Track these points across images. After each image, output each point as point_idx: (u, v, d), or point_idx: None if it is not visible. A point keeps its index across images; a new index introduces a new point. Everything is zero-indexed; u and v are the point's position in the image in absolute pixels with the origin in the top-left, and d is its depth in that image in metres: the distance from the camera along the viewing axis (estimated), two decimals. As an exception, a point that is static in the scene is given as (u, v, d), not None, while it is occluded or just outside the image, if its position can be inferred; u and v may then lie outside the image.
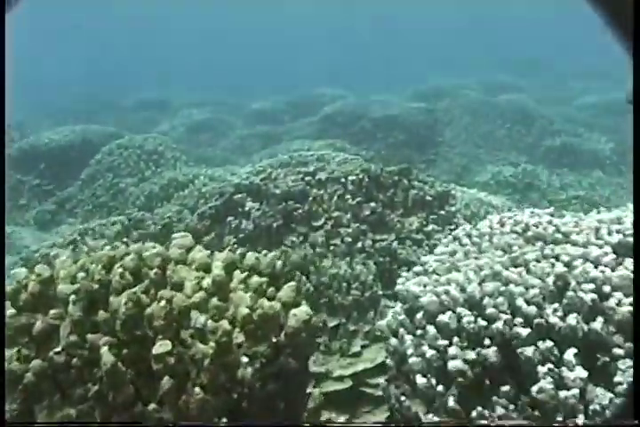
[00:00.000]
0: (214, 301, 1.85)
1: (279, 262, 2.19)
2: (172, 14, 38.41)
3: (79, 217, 7.06)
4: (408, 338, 2.14)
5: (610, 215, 2.37)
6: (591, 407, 1.65)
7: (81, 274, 1.91)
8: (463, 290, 2.06)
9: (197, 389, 1.68)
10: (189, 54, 33.03)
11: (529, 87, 14.22)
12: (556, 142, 9.78)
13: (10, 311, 1.86)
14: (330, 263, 3.31)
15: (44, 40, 33.19)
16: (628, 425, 1.62)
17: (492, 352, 1.85)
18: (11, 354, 1.79)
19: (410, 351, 2.09)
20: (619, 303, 1.84)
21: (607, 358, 1.75)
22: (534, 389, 1.70)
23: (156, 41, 37.04)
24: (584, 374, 1.68)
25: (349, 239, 3.54)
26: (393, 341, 2.27)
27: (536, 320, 1.84)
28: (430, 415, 1.97)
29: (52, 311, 1.85)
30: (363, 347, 3.02)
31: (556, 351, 1.77)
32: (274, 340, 1.86)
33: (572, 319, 1.81)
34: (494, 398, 1.80)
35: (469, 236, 2.50)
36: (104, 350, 1.66)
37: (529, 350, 1.78)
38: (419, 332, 2.10)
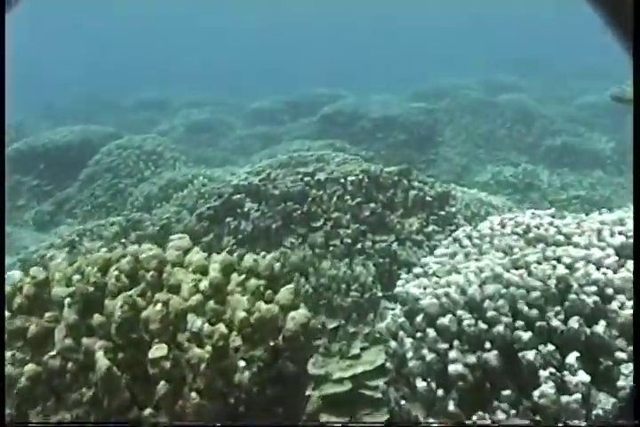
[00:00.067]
0: (211, 304, 1.83)
1: (277, 264, 2.16)
2: (172, 14, 38.37)
3: (78, 218, 7.03)
4: (408, 341, 2.11)
5: (612, 216, 2.34)
6: (594, 412, 1.62)
7: (76, 277, 1.89)
8: (464, 292, 2.03)
9: (194, 393, 1.66)
10: (189, 54, 32.98)
11: (529, 87, 14.17)
12: (556, 142, 9.75)
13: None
14: (329, 264, 3.29)
15: (44, 40, 33.15)
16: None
17: (492, 356, 1.82)
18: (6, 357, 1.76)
19: (409, 355, 2.06)
20: (621, 306, 1.81)
21: (610, 362, 1.72)
22: (536, 393, 1.67)
23: (156, 41, 37.00)
24: (586, 378, 1.65)
25: (349, 240, 3.51)
26: (392, 343, 2.24)
27: (537, 323, 1.81)
28: (430, 419, 1.94)
29: (47, 314, 1.83)
30: (362, 349, 2.99)
31: (557, 355, 1.74)
32: (272, 343, 1.83)
33: (574, 322, 1.78)
34: (495, 402, 1.78)
35: (470, 237, 2.47)
36: (99, 354, 1.63)
37: (530, 354, 1.75)
38: (418, 335, 2.07)
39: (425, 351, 1.99)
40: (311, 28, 37.87)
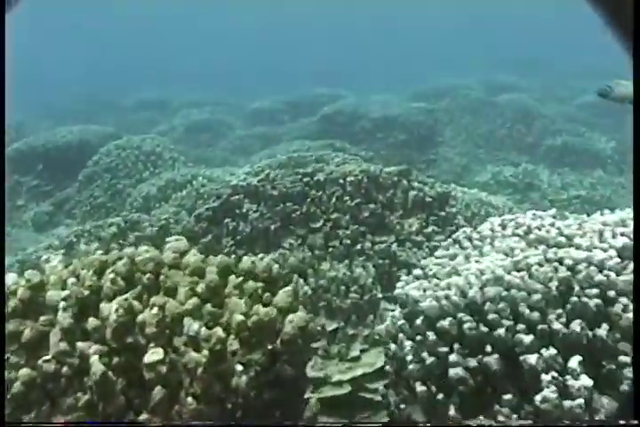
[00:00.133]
0: (208, 307, 1.81)
1: (276, 266, 2.14)
2: (172, 14, 38.34)
3: (77, 218, 7.01)
4: (407, 344, 2.08)
5: (614, 217, 2.32)
6: (597, 418, 1.59)
7: (71, 280, 1.86)
8: (464, 295, 2.00)
9: (190, 398, 1.64)
10: (189, 54, 32.96)
11: (529, 87, 14.15)
12: (556, 142, 9.72)
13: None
14: (328, 266, 3.26)
15: (44, 40, 33.13)
16: (627, 425, 1.58)
17: (493, 360, 1.80)
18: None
19: (409, 358, 2.04)
20: (624, 309, 1.79)
21: (613, 366, 1.69)
22: (538, 398, 1.65)
23: (156, 41, 36.97)
24: (589, 382, 1.63)
25: (348, 241, 3.49)
26: (392, 346, 2.22)
27: (539, 327, 1.79)
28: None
29: (41, 318, 1.81)
30: (362, 351, 2.97)
31: (559, 359, 1.72)
32: (269, 347, 1.81)
33: (577, 326, 1.75)
34: (496, 406, 1.75)
35: (470, 239, 2.44)
36: (94, 358, 1.61)
37: (532, 358, 1.72)
38: (418, 338, 2.05)
39: (425, 355, 1.97)
40: (311, 28, 37.83)
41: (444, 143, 9.93)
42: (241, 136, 11.60)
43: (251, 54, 32.20)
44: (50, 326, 1.78)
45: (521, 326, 1.82)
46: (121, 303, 1.70)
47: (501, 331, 1.82)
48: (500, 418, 1.73)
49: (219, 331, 1.69)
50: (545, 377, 1.68)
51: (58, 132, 8.97)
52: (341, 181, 3.78)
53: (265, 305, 1.88)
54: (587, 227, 2.23)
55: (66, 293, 1.80)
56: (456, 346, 1.89)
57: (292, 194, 3.78)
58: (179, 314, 1.76)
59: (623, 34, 1.14)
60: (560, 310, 1.82)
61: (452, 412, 1.83)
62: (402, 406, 2.11)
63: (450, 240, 2.57)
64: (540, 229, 2.29)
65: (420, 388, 1.95)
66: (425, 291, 2.15)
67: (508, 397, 1.75)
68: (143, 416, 1.62)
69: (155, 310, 1.71)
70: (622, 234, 2.13)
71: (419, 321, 2.09)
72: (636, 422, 1.53)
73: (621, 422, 1.64)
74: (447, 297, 2.02)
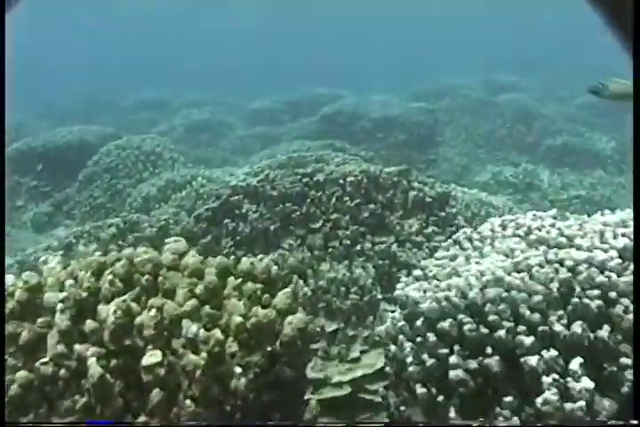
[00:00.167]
0: (207, 309, 1.79)
1: (275, 267, 2.12)
2: (172, 14, 38.32)
3: (76, 219, 6.99)
4: (407, 345, 2.07)
5: (614, 218, 2.31)
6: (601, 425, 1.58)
7: (69, 281, 1.85)
8: (464, 296, 1.99)
9: (189, 401, 1.62)
10: (189, 54, 32.94)
11: (529, 87, 14.13)
12: (556, 142, 9.71)
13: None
14: (328, 267, 3.25)
15: (44, 40, 33.10)
16: (627, 425, 1.57)
17: (494, 362, 1.79)
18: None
19: (409, 359, 2.03)
20: (626, 310, 1.78)
21: (614, 368, 1.68)
22: (539, 400, 1.64)
23: (156, 41, 36.95)
24: (591, 385, 1.61)
25: (348, 242, 3.48)
26: (392, 347, 2.20)
27: (540, 328, 1.77)
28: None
29: (39, 320, 1.79)
30: (362, 352, 2.96)
31: (560, 361, 1.71)
32: (268, 349, 1.80)
33: (578, 327, 1.74)
34: (497, 409, 1.74)
35: (470, 239, 2.43)
36: (91, 361, 1.60)
37: (533, 360, 1.71)
38: (418, 339, 2.04)
39: (425, 356, 1.96)
40: (311, 27, 37.81)
41: (444, 143, 9.92)
42: (241, 136, 11.59)
43: (251, 54, 32.16)
44: (47, 329, 1.77)
45: (522, 328, 1.80)
46: (119, 305, 1.69)
47: (502, 332, 1.81)
48: (501, 420, 1.72)
49: (217, 333, 1.68)
50: (546, 379, 1.67)
51: (57, 133, 8.95)
52: (341, 181, 3.77)
53: (264, 307, 1.86)
54: (587, 227, 2.22)
55: (63, 294, 1.78)
56: (456, 348, 1.88)
57: (291, 194, 3.77)
58: (177, 316, 1.75)
59: (623, 34, 1.12)
60: (561, 312, 1.81)
61: (452, 414, 1.82)
62: (402, 407, 2.09)
63: (450, 241, 2.56)
64: (540, 230, 2.28)
65: (420, 390, 1.93)
66: (425, 292, 2.14)
67: (508, 399, 1.73)
68: (141, 419, 1.61)
69: (153, 311, 1.70)
70: (623, 235, 2.11)
71: (419, 322, 2.07)
72: (635, 422, 1.52)
73: (621, 422, 1.63)
74: (447, 298, 2.01)
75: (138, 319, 1.71)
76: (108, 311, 1.71)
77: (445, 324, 1.94)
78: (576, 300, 1.81)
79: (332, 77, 18.13)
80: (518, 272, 2.02)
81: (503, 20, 32.64)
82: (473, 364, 1.82)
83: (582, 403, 1.59)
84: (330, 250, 3.45)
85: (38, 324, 1.78)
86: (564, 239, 2.17)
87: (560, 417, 1.61)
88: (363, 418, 2.74)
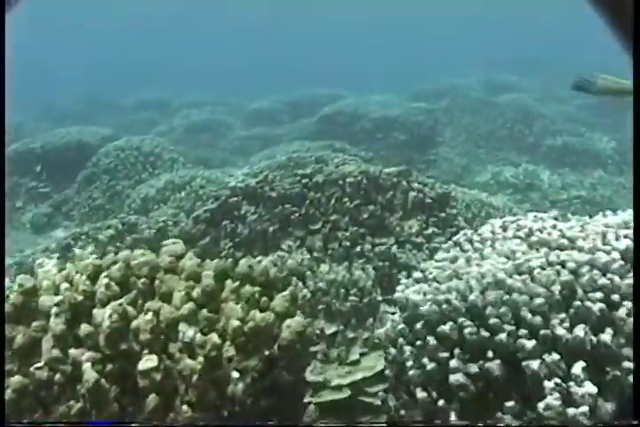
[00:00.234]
0: (204, 312, 1.77)
1: (273, 270, 2.10)
2: (172, 14, 38.31)
3: (75, 220, 6.97)
4: (407, 349, 2.05)
5: (616, 219, 2.28)
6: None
7: (65, 285, 1.82)
8: (465, 299, 1.96)
9: (185, 406, 1.60)
10: (189, 54, 32.94)
11: (529, 87, 14.11)
12: (557, 142, 9.69)
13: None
14: (327, 268, 3.23)
15: (44, 40, 33.08)
16: (628, 425, 1.55)
17: (495, 365, 1.76)
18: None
19: (409, 363, 2.00)
20: (629, 313, 1.75)
21: (617, 372, 1.66)
22: (541, 405, 1.61)
23: (156, 41, 36.94)
24: (594, 389, 1.59)
25: (347, 243, 3.45)
26: (392, 350, 2.18)
27: (541, 332, 1.75)
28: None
29: (34, 324, 1.77)
30: (361, 355, 2.93)
31: (562, 365, 1.68)
32: (266, 353, 1.77)
33: (580, 331, 1.71)
34: (498, 413, 1.72)
35: (471, 241, 2.40)
36: (86, 366, 1.57)
37: (534, 364, 1.69)
38: (418, 342, 2.01)
39: (425, 360, 1.93)
40: (311, 27, 37.80)
41: (444, 143, 9.90)
42: (240, 137, 11.57)
43: (251, 54, 32.16)
44: (42, 333, 1.75)
45: (523, 331, 1.78)
46: (115, 309, 1.67)
47: (503, 336, 1.79)
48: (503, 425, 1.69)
49: (214, 337, 1.65)
50: (548, 384, 1.64)
51: (56, 133, 8.94)
52: (340, 182, 3.75)
53: (262, 310, 1.84)
54: (589, 229, 2.20)
55: (58, 298, 1.76)
56: (457, 351, 1.85)
57: (290, 195, 3.75)
58: (174, 319, 1.72)
59: (623, 34, 1.11)
60: (563, 315, 1.78)
61: (452, 418, 1.80)
62: (402, 411, 2.07)
63: (450, 243, 2.53)
64: (541, 232, 2.25)
65: (420, 394, 1.91)
66: (425, 295, 2.12)
67: (510, 403, 1.71)
68: (137, 424, 1.59)
69: (149, 315, 1.68)
70: (625, 236, 2.09)
71: (419, 325, 2.05)
72: (636, 422, 1.50)
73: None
74: (448, 301, 1.98)
75: (134, 323, 1.68)
76: (104, 315, 1.68)
77: (446, 327, 1.91)
78: (578, 303, 1.78)
79: (331, 77, 18.10)
80: (519, 274, 1.99)
81: (503, 20, 32.63)
82: (474, 368, 1.79)
83: (585, 408, 1.57)
84: (329, 251, 3.43)
85: (33, 328, 1.75)
86: (565, 241, 2.14)
87: (562, 423, 1.58)
88: (363, 421, 2.72)
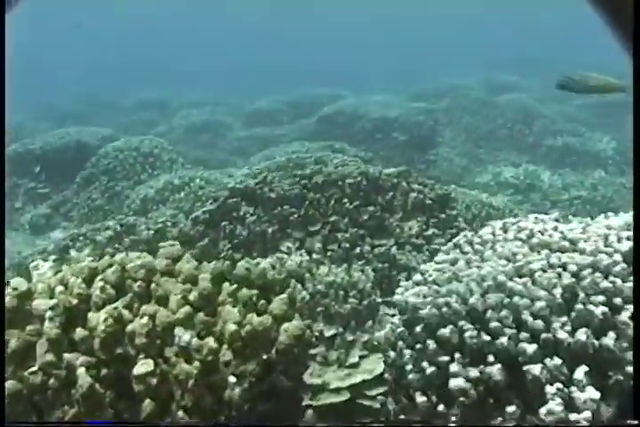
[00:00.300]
0: (200, 316, 1.74)
1: (272, 272, 2.08)
2: (172, 14, 38.29)
3: (74, 221, 6.95)
4: (407, 352, 2.02)
5: (618, 221, 2.26)
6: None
7: (59, 288, 1.80)
8: (465, 302, 1.94)
9: (181, 412, 1.57)
10: (189, 54, 32.93)
11: (529, 87, 14.08)
12: (557, 142, 9.67)
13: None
14: (327, 270, 3.20)
15: (44, 40, 33.06)
16: (627, 425, 1.53)
17: (496, 370, 1.74)
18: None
19: (409, 367, 1.98)
20: (632, 317, 1.73)
21: (620, 377, 1.63)
22: (542, 411, 1.59)
23: (156, 41, 36.92)
24: (596, 395, 1.56)
25: (347, 245, 3.43)
26: (391, 353, 2.16)
27: (543, 335, 1.72)
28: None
29: (28, 328, 1.75)
30: (361, 357, 2.90)
31: (564, 369, 1.66)
32: (264, 357, 1.75)
33: (582, 334, 1.69)
34: (499, 419, 1.69)
35: (471, 243, 2.38)
36: (81, 371, 1.55)
37: (536, 368, 1.66)
38: (418, 346, 1.99)
39: (425, 364, 1.91)
40: (311, 27, 37.78)
41: (444, 144, 9.87)
42: (240, 137, 11.54)
43: (251, 54, 32.14)
44: (37, 336, 1.72)
45: (524, 335, 1.76)
46: (110, 312, 1.64)
47: (504, 340, 1.76)
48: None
49: (210, 341, 1.63)
50: (549, 389, 1.62)
51: (55, 134, 8.91)
52: (340, 183, 3.72)
53: (259, 314, 1.81)
54: (591, 231, 2.17)
55: (53, 301, 1.74)
56: (457, 355, 1.83)
57: (289, 197, 3.72)
58: (170, 323, 1.70)
59: (623, 34, 1.11)
60: (565, 318, 1.76)
61: (452, 424, 1.77)
62: (402, 416, 2.05)
63: (450, 244, 2.51)
64: (542, 234, 2.23)
65: (420, 398, 1.89)
66: (425, 297, 2.09)
67: (511, 409, 1.68)
68: (132, 431, 1.57)
69: (145, 319, 1.65)
70: (628, 238, 2.06)
71: (418, 329, 2.03)
72: (636, 422, 1.48)
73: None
74: (448, 304, 1.96)
75: (129, 327, 1.66)
76: (99, 319, 1.66)
77: (446, 330, 1.89)
78: (580, 306, 1.76)
79: (331, 77, 18.08)
80: (520, 277, 1.97)
81: (503, 20, 32.61)
82: (474, 372, 1.77)
83: (588, 414, 1.54)
84: (329, 253, 3.40)
85: (27, 331, 1.73)
86: (567, 243, 2.12)
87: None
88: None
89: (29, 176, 8.26)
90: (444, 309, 1.95)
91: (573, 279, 1.86)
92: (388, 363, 2.19)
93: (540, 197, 7.31)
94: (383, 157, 8.26)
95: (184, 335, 1.67)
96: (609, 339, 1.68)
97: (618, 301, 1.77)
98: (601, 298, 1.77)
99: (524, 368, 1.69)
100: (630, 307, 1.75)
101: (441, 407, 1.82)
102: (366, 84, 16.43)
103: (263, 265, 2.11)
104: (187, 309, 1.74)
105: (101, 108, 16.18)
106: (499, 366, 1.75)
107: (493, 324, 1.81)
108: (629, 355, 1.67)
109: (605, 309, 1.74)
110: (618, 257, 1.94)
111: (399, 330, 2.13)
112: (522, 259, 2.08)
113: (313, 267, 3.21)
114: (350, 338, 2.96)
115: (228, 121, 12.90)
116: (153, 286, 1.85)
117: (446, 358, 1.86)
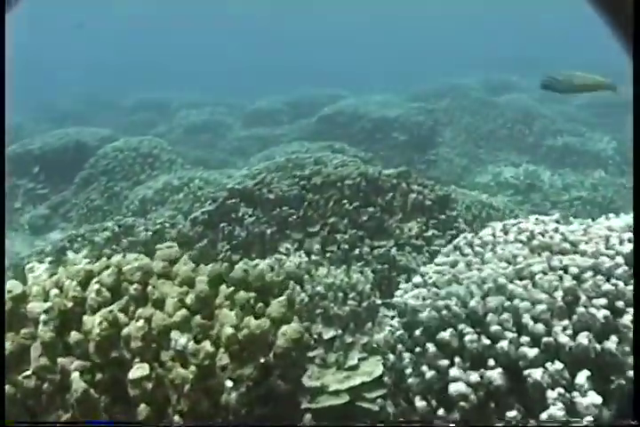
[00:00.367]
0: (197, 319, 1.72)
1: (270, 274, 2.05)
2: (172, 14, 38.29)
3: (73, 222, 6.93)
4: (406, 356, 2.00)
5: (620, 222, 2.23)
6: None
7: (54, 291, 1.78)
8: (465, 305, 1.92)
9: (177, 416, 1.55)
10: (189, 54, 32.93)
11: (529, 87, 14.05)
12: (557, 142, 9.65)
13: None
14: (326, 272, 3.18)
15: (44, 40, 33.05)
16: (627, 425, 1.51)
17: (496, 374, 1.71)
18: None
19: (408, 370, 1.95)
20: (632, 319, 1.70)
21: (622, 381, 1.61)
22: (544, 416, 1.56)
23: (156, 41, 36.92)
24: (598, 400, 1.54)
25: (346, 246, 3.41)
26: (390, 356, 2.13)
27: (544, 339, 1.70)
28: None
29: (22, 331, 1.72)
30: (360, 360, 2.88)
31: (566, 374, 1.63)
32: (262, 361, 1.72)
33: (584, 338, 1.66)
34: (499, 424, 1.67)
35: (471, 245, 2.35)
36: (75, 375, 1.53)
37: (537, 373, 1.64)
38: (417, 349, 1.96)
39: (424, 368, 1.88)
40: (311, 27, 37.78)
41: (444, 144, 9.85)
42: (240, 137, 11.53)
43: (250, 54, 32.16)
44: (31, 340, 1.70)
45: (525, 339, 1.73)
46: (105, 316, 1.62)
47: (504, 344, 1.74)
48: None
49: (207, 345, 1.60)
50: (551, 393, 1.59)
51: (55, 134, 8.90)
52: (339, 184, 3.70)
53: (257, 316, 1.79)
54: (592, 232, 2.15)
55: (48, 304, 1.71)
56: (457, 359, 1.81)
57: (288, 197, 3.70)
58: (166, 327, 1.68)
59: (623, 34, 1.10)
60: (566, 322, 1.73)
61: (452, 428, 1.75)
62: (401, 419, 2.02)
63: (450, 246, 2.48)
64: (543, 235, 2.20)
65: (419, 403, 1.86)
66: (424, 300, 2.07)
67: (511, 414, 1.66)
68: (127, 436, 1.55)
69: (140, 322, 1.63)
70: (629, 240, 2.04)
71: (418, 332, 2.00)
72: (635, 422, 1.46)
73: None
74: (447, 307, 1.93)
75: (125, 331, 1.64)
76: (94, 322, 1.64)
77: (445, 334, 1.86)
78: (581, 309, 1.73)
79: (331, 77, 18.09)
80: (521, 280, 1.94)
81: (503, 20, 32.60)
82: (474, 376, 1.75)
83: (590, 419, 1.52)
84: (328, 254, 3.38)
85: (22, 335, 1.71)
86: (567, 245, 2.09)
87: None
88: (361, 427, 2.67)
89: (28, 177, 8.25)
90: (444, 311, 1.93)
91: (575, 282, 1.83)
92: (387, 366, 2.17)
93: (541, 197, 7.29)
94: (383, 157, 8.23)
95: (180, 339, 1.65)
96: (611, 343, 1.66)
97: (620, 304, 1.74)
98: (603, 301, 1.75)
99: (525, 373, 1.66)
100: (632, 310, 1.72)
101: (441, 412, 1.80)
102: (366, 84, 16.42)
103: (261, 267, 2.09)
104: (183, 312, 1.72)
105: (101, 108, 16.17)
106: (499, 370, 1.72)
107: (494, 327, 1.78)
108: (632, 359, 1.64)
109: (607, 312, 1.71)
110: (620, 259, 1.92)
111: (398, 333, 2.10)
112: (522, 261, 2.05)
113: (312, 268, 3.19)
114: (349, 340, 2.93)
115: (227, 121, 12.89)
116: (149, 288, 1.83)
117: (446, 362, 1.83)
